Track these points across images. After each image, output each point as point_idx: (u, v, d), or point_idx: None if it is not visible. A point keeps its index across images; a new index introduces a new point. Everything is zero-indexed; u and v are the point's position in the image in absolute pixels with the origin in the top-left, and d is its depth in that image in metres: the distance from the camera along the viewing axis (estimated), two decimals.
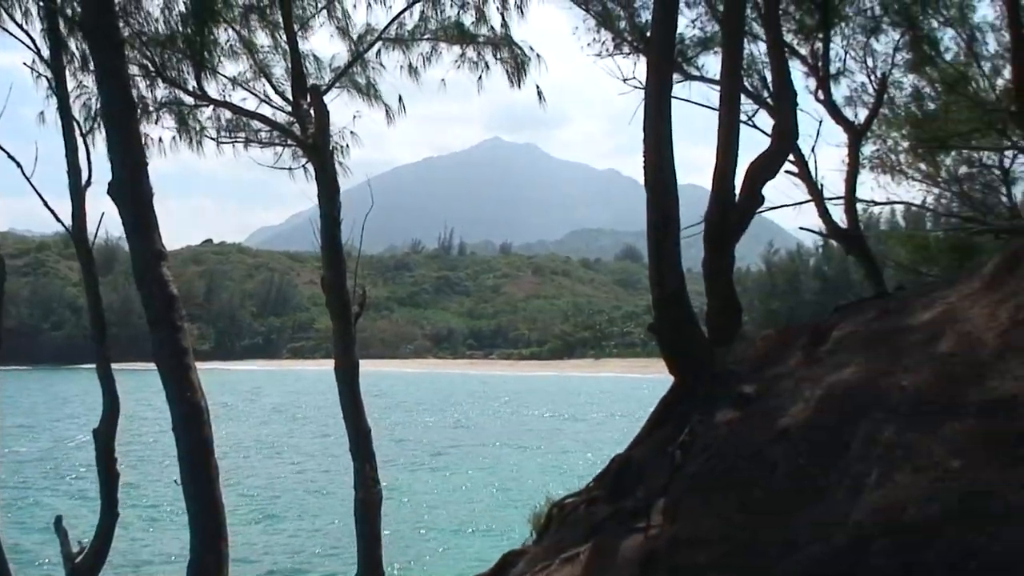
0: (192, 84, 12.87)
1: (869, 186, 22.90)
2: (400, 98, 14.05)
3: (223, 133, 14.01)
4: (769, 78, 14.34)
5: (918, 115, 18.90)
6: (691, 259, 11.13)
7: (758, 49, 16.02)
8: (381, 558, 11.92)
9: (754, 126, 15.87)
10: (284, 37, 12.92)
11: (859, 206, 17.41)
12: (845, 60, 17.11)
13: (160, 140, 13.74)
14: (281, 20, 12.89)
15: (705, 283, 10.76)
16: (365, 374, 12.94)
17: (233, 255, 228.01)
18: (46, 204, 12.32)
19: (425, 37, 13.46)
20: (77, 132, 12.39)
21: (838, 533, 4.95)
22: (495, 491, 38.61)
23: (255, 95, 13.37)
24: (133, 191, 8.76)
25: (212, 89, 13.07)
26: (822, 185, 15.86)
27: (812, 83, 16.40)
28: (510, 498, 35.40)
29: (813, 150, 15.84)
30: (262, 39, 13.45)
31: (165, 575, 24.75)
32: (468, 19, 13.28)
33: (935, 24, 17.52)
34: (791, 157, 14.68)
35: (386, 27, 13.36)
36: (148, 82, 13.10)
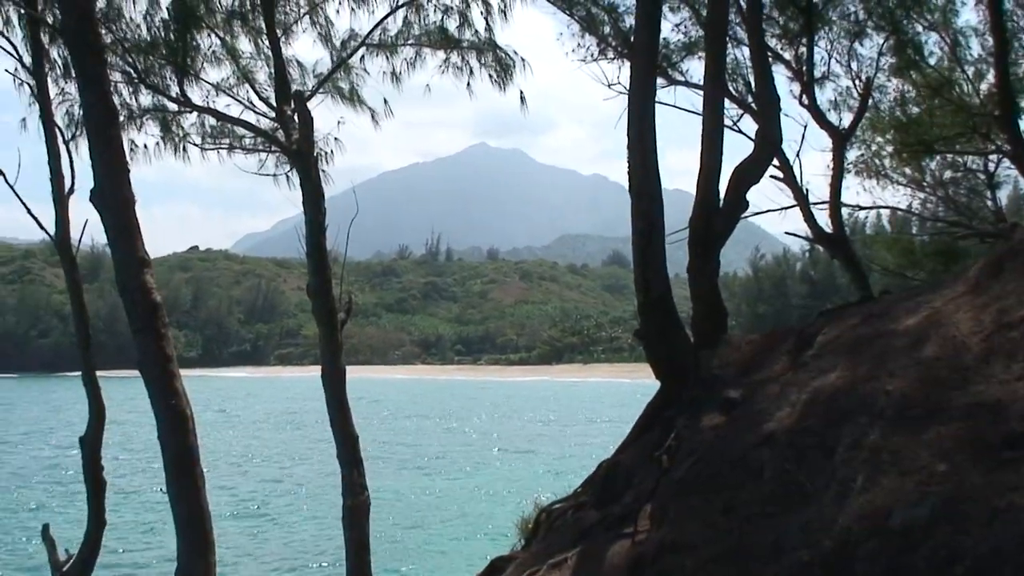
0: (175, 90, 12.79)
1: (854, 190, 22.96)
2: (386, 101, 14.01)
3: (207, 140, 13.95)
4: (753, 83, 14.34)
5: (903, 119, 18.96)
6: (677, 264, 11.14)
7: (742, 54, 16.09)
8: (370, 564, 11.87)
9: (739, 131, 15.88)
10: (267, 43, 12.86)
11: (844, 210, 17.48)
12: (829, 64, 17.19)
13: (144, 147, 13.66)
14: (264, 26, 12.84)
15: (690, 288, 10.77)
16: (354, 380, 12.92)
17: (220, 262, 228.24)
18: (29, 212, 12.23)
19: (409, 42, 13.42)
20: (60, 139, 12.33)
21: (824, 538, 4.94)
22: (484, 496, 38.55)
23: (239, 101, 13.31)
24: (115, 198, 8.70)
25: (195, 95, 13.01)
26: (807, 190, 15.92)
27: (796, 88, 16.47)
28: (499, 503, 35.35)
29: (798, 155, 15.91)
30: (245, 45, 13.39)
31: None
32: (452, 24, 13.23)
33: (919, 28, 17.61)
34: (776, 162, 14.72)
35: (369, 33, 13.31)
36: (131, 89, 13.03)
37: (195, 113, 13.48)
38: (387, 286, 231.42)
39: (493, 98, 13.52)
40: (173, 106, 13.31)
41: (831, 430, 5.88)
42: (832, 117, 16.83)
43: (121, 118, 11.13)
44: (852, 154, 19.15)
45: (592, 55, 16.94)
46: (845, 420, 5.86)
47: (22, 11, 12.12)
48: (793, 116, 15.64)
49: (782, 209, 16.64)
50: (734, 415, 7.43)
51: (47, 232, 12.37)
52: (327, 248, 12.15)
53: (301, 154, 11.90)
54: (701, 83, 13.29)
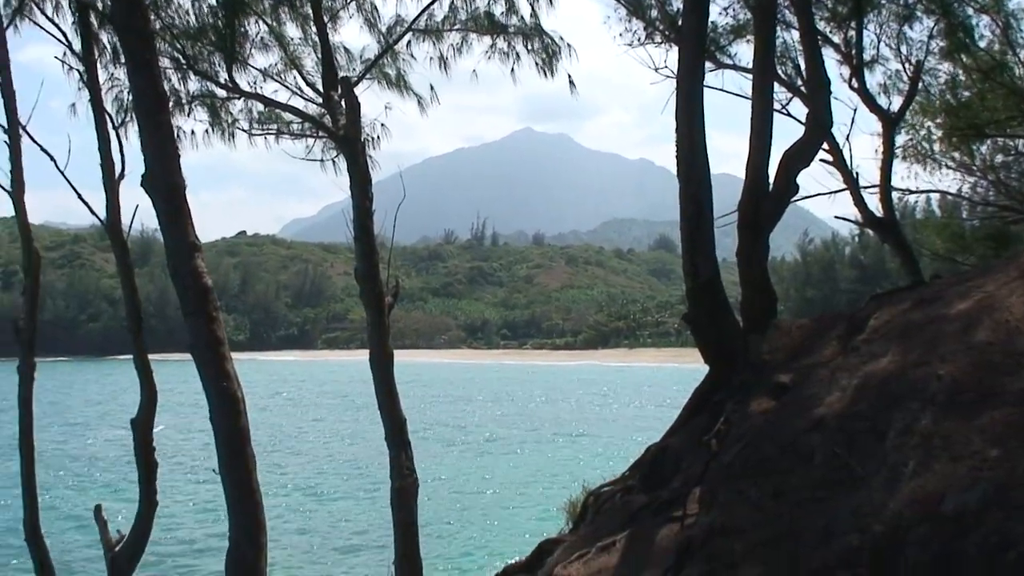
0: (224, 76, 12.87)
1: (903, 175, 22.70)
2: (432, 87, 14.02)
3: (255, 125, 14.00)
4: (802, 66, 14.21)
5: (953, 103, 18.71)
6: (725, 248, 11.10)
7: (791, 37, 15.91)
8: (418, 545, 11.93)
9: (788, 114, 15.74)
10: (314, 29, 12.91)
11: (894, 194, 17.27)
12: (879, 48, 16.98)
13: (192, 133, 13.74)
14: (311, 12, 12.90)
15: (740, 272, 10.73)
16: (401, 364, 12.95)
17: (267, 247, 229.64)
18: (80, 196, 12.35)
19: (455, 28, 13.42)
20: (109, 125, 12.42)
21: (875, 522, 4.92)
22: (533, 478, 38.66)
23: (286, 87, 13.36)
24: (166, 183, 8.78)
25: (243, 81, 13.08)
26: (857, 173, 15.78)
27: (846, 71, 16.29)
28: (547, 485, 35.42)
29: (848, 138, 15.75)
30: (292, 31, 13.44)
31: (204, 564, 24.97)
32: (498, 9, 13.22)
33: (969, 11, 17.32)
34: (825, 145, 14.59)
35: (416, 18, 13.31)
36: (180, 75, 13.11)
37: (243, 99, 13.56)
38: (433, 271, 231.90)
39: (538, 83, 13.45)
40: (221, 92, 13.39)
41: (882, 415, 5.85)
42: (882, 101, 16.65)
43: (170, 104, 11.22)
44: (900, 138, 18.92)
45: (639, 39, 16.87)
46: (896, 405, 5.82)
47: None
48: (843, 99, 15.43)
49: (831, 193, 16.50)
50: (784, 400, 7.40)
51: (98, 217, 12.49)
52: (374, 233, 12.19)
53: (348, 140, 11.94)
54: (750, 67, 13.18)
